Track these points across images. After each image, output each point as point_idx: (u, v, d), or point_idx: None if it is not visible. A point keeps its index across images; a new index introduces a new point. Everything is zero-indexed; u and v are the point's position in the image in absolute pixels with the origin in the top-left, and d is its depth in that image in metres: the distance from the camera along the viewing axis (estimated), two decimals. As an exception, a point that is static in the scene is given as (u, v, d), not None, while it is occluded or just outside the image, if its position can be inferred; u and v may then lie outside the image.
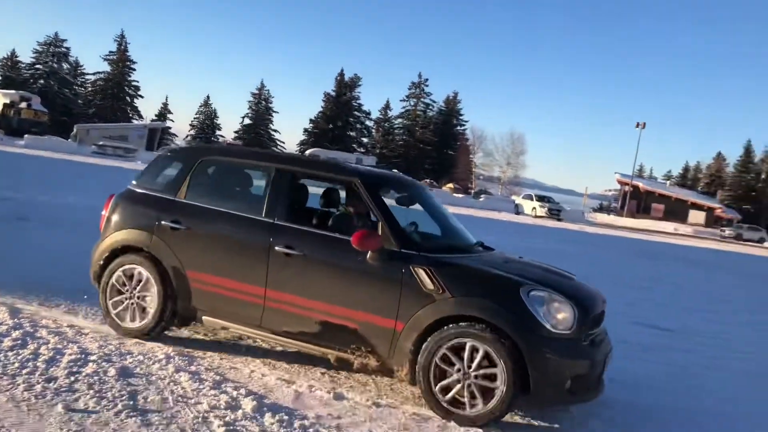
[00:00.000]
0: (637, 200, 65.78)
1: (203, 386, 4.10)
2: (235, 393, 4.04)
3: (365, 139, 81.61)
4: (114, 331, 4.91)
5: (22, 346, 4.39)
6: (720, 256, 27.53)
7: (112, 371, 4.14)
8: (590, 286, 4.67)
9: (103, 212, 5.20)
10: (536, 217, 43.38)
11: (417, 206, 5.17)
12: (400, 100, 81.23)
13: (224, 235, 4.71)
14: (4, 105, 54.83)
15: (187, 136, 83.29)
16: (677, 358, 6.70)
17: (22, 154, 32.10)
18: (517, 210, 45.79)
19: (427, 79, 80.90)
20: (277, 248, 4.48)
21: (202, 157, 5.15)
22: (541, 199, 48.23)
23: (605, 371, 4.24)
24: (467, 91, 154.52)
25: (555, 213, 44.92)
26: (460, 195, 53.71)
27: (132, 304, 4.89)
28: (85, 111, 75.49)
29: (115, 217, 5.09)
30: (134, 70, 79.54)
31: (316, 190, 5.31)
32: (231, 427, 3.54)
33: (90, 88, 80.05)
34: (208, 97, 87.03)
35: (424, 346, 4.06)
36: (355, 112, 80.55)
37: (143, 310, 4.87)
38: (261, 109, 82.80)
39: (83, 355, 4.37)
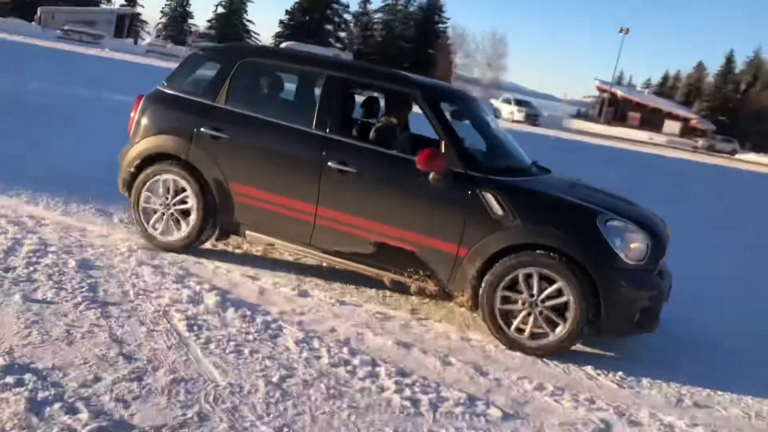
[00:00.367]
0: (614, 108, 65.61)
1: (165, 280, 4.08)
2: (198, 288, 4.03)
3: (343, 34, 79.19)
4: (149, 243, 4.65)
5: (-21, 235, 4.29)
6: (687, 166, 27.89)
7: (72, 263, 4.08)
8: (654, 212, 4.53)
9: (132, 114, 4.79)
10: (514, 121, 43.17)
11: (466, 121, 4.84)
12: (381, -6, 78.36)
13: (271, 147, 4.41)
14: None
15: (158, 24, 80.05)
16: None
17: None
18: (495, 114, 45.42)
19: (409, -27, 77.83)
20: (330, 164, 4.19)
21: (242, 58, 4.71)
22: (519, 103, 47.76)
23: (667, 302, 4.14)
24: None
25: (533, 118, 44.69)
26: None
27: (170, 215, 4.61)
28: (49, -8, 71.54)
29: (145, 121, 4.71)
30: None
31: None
32: (192, 322, 3.54)
33: (54, -32, 75.54)
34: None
35: (489, 273, 3.89)
36: (333, 5, 77.64)
37: (180, 222, 4.60)
38: (235, -2, 79.37)
39: (43, 246, 4.29)
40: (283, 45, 52.11)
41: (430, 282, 4.09)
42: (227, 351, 3.27)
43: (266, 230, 4.47)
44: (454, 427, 2.94)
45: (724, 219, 12.72)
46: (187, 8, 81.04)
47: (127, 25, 62.04)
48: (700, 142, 53.31)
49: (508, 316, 3.91)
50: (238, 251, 4.93)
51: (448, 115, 4.29)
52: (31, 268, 3.89)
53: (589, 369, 3.80)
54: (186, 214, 4.57)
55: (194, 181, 4.51)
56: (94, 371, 2.87)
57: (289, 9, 77.17)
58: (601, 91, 67.55)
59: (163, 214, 4.62)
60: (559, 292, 3.77)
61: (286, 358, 3.31)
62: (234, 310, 3.78)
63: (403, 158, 4.13)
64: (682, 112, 67.48)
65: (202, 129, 4.50)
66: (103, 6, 69.94)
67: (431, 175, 3.97)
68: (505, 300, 3.90)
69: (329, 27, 78.17)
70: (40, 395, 2.61)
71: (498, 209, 3.91)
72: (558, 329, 3.79)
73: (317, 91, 4.54)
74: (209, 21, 78.70)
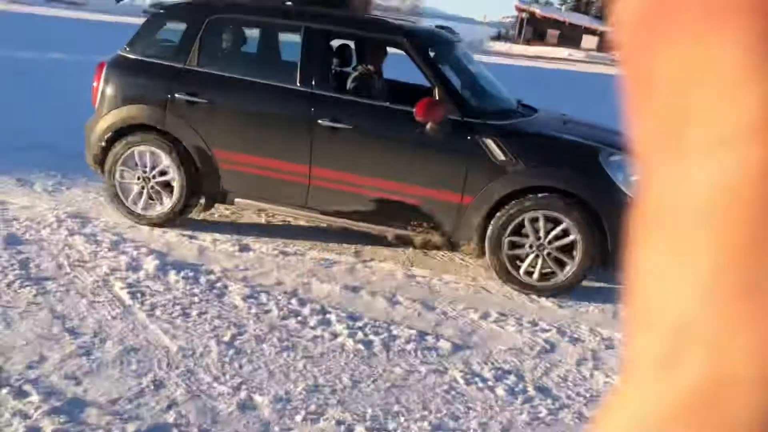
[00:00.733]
0: (533, 27, 66.14)
1: (100, 248, 3.96)
2: (135, 253, 3.94)
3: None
4: (131, 220, 4.42)
5: None
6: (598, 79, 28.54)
7: (-2, 240, 3.91)
8: None
9: (95, 84, 4.47)
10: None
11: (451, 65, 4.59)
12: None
13: (255, 109, 4.25)
14: None
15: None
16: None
17: None
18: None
19: None
20: (320, 122, 4.05)
21: (209, 15, 4.40)
22: (440, 28, 47.46)
23: None
24: None
25: (454, 43, 44.55)
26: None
27: (150, 189, 4.37)
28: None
29: (111, 90, 4.41)
30: None
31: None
32: (134, 289, 3.48)
33: None
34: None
35: (494, 220, 3.86)
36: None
37: (162, 195, 4.38)
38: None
39: (-37, 225, 4.08)
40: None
41: (435, 233, 4.05)
42: (174, 315, 3.24)
43: (257, 196, 4.31)
44: (407, 363, 3.03)
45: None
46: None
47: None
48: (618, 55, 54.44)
49: (515, 261, 3.92)
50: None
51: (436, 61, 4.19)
52: (-46, 250, 3.71)
53: (530, 294, 3.96)
54: (167, 186, 4.37)
55: (174, 150, 4.28)
56: (39, 351, 2.80)
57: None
58: (520, 11, 67.81)
59: (143, 188, 4.39)
60: (565, 232, 3.79)
61: (235, 315, 3.31)
62: (175, 272, 3.72)
63: (399, 110, 4.02)
64: (599, 26, 68.61)
65: (176, 95, 4.26)
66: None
67: (428, 125, 3.87)
68: (513, 245, 3.90)
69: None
70: (-15, 383, 2.54)
71: (500, 155, 3.85)
72: (567, 268, 3.83)
73: (296, 45, 4.34)
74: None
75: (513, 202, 3.84)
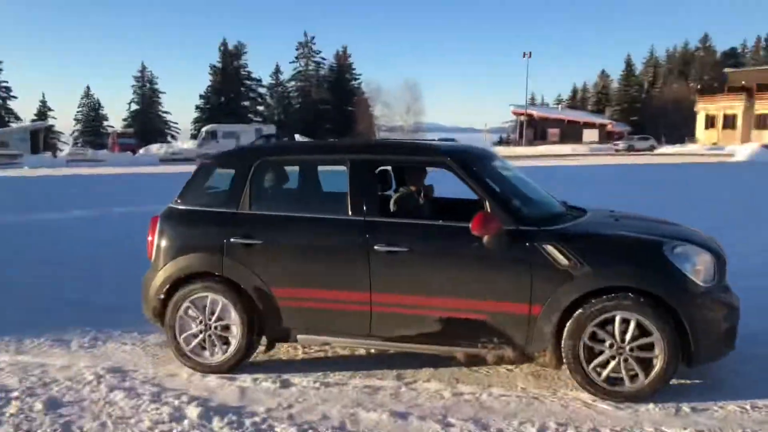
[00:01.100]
0: (533, 128, 67.94)
1: (141, 401, 3.89)
2: (177, 402, 3.86)
3: (261, 108, 79.76)
4: (195, 369, 4.36)
5: (-68, 397, 4.02)
6: (618, 171, 28.80)
7: (38, 405, 3.86)
8: (699, 230, 4.49)
9: (150, 237, 4.53)
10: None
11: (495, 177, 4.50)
12: (290, 63, 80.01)
13: (309, 243, 4.23)
14: None
15: (73, 132, 79.00)
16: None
17: None
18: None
19: (313, 37, 79.43)
20: (376, 248, 4.05)
21: (256, 159, 4.50)
22: (444, 140, 48.76)
23: None
24: (355, 44, 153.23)
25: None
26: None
27: (209, 336, 4.33)
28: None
29: (166, 242, 4.45)
30: (0, 69, 73.84)
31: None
32: (180, 441, 3.38)
33: (-46, 96, 73.85)
34: (88, 87, 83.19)
35: (567, 327, 3.76)
36: (246, 81, 78.29)
37: (224, 341, 4.32)
38: (146, 92, 79.14)
39: (3, 394, 4.05)
40: (203, 129, 51.97)
41: (508, 348, 3.91)
42: (223, 464, 3.12)
43: (320, 330, 4.25)
44: (471, 490, 2.87)
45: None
46: (101, 111, 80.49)
47: (42, 139, 60.76)
48: (620, 145, 55.43)
49: (595, 366, 3.78)
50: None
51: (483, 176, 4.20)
52: (-4, 421, 3.66)
53: (584, 397, 3.81)
54: (228, 329, 4.32)
55: (233, 294, 4.28)
56: None
57: (202, 93, 77.55)
58: (518, 115, 69.96)
59: (205, 336, 4.35)
60: (642, 331, 3.68)
61: (285, 457, 3.19)
62: (219, 418, 3.63)
63: (453, 226, 4.00)
64: (596, 119, 70.36)
65: (232, 239, 4.29)
66: (13, 125, 68.40)
67: (485, 239, 3.83)
68: (590, 350, 3.78)
69: (246, 103, 78.71)
70: None
71: (562, 259, 3.78)
72: (654, 368, 3.69)
73: (335, 175, 4.41)
74: (125, 120, 78.36)
75: (584, 306, 3.75)
